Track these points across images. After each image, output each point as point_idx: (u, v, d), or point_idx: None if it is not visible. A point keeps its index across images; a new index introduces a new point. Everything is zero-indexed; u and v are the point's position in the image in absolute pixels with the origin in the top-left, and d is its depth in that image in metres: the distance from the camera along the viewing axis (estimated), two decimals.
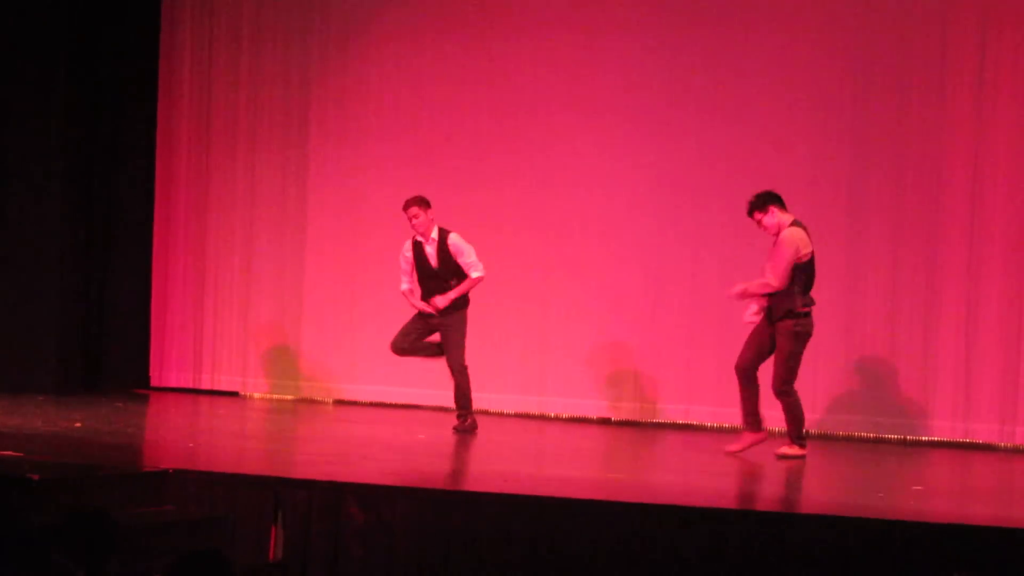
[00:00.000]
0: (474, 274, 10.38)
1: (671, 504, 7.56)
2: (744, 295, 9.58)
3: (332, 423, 11.64)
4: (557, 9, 12.05)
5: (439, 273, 10.38)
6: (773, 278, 9.39)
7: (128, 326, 12.96)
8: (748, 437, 9.60)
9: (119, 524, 5.25)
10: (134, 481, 7.78)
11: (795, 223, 9.49)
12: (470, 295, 10.49)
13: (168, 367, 13.08)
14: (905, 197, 11.11)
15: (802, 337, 9.45)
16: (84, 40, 12.55)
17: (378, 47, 12.54)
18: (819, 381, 11.09)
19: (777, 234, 9.47)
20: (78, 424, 10.17)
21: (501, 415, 11.97)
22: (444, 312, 10.35)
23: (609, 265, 11.82)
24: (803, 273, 9.45)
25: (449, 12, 12.37)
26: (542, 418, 11.92)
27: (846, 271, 11.16)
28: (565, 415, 11.92)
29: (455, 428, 10.49)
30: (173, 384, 13.01)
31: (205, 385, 12.92)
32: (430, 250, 10.41)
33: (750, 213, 9.57)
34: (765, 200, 9.53)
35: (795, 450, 9.51)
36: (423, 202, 10.37)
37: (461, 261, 10.36)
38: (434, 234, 10.39)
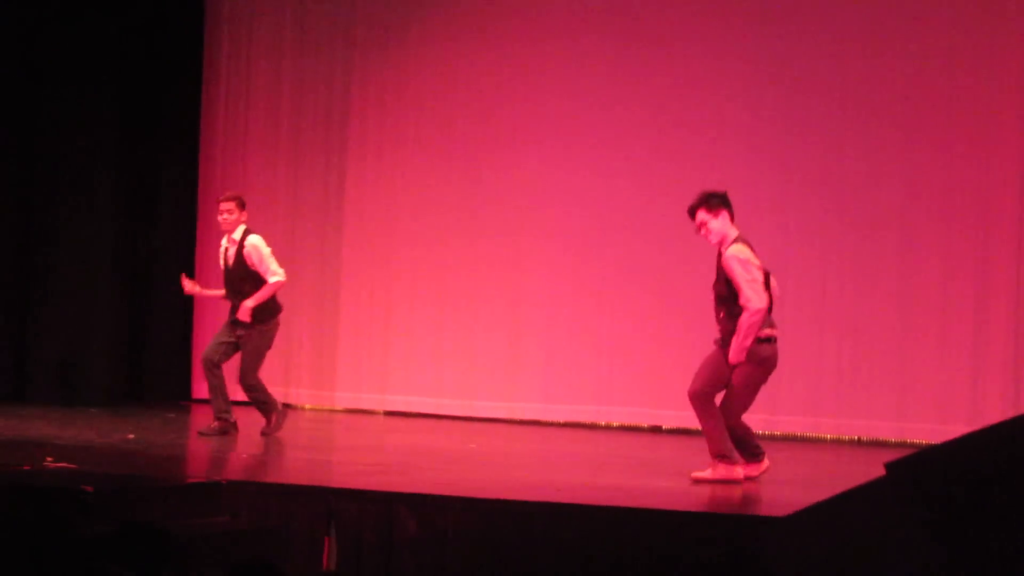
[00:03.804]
0: (272, 279, 10.13)
1: (731, 513, 7.49)
2: (743, 350, 8.26)
3: (382, 434, 11.61)
4: (595, 12, 12.03)
5: (231, 273, 10.22)
6: (751, 301, 8.15)
7: (171, 338, 13.00)
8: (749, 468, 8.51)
9: (173, 536, 5.23)
10: (187, 493, 7.78)
11: (740, 238, 8.35)
12: (280, 315, 10.28)
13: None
14: (954, 209, 11.11)
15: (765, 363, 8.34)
16: (129, 55, 12.60)
17: (416, 52, 12.53)
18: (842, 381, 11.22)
19: (721, 244, 8.33)
20: (131, 436, 10.19)
21: (556, 425, 11.94)
22: (244, 324, 10.13)
23: (647, 268, 11.81)
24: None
25: (486, 16, 12.38)
26: (593, 427, 11.88)
27: (897, 281, 11.14)
28: (616, 423, 11.88)
29: (261, 431, 10.33)
30: None
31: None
32: (230, 250, 10.25)
33: (692, 210, 8.29)
34: (718, 202, 8.32)
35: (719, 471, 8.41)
36: (240, 201, 10.23)
37: (259, 268, 10.15)
38: (236, 234, 10.21)
